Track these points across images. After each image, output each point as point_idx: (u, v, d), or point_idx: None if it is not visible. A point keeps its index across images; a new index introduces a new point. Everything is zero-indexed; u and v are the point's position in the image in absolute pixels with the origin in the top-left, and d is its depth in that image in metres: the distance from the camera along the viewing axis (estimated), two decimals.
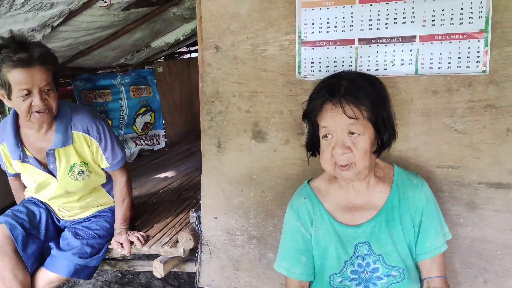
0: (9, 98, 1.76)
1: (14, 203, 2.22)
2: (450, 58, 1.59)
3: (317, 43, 1.72)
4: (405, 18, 1.62)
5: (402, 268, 1.37)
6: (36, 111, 1.76)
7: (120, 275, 3.33)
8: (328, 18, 1.70)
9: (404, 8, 1.61)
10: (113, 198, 2.19)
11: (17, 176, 2.15)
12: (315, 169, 1.61)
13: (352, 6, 1.67)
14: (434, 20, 1.59)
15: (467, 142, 1.61)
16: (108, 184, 2.16)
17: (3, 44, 1.72)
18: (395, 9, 1.62)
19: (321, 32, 1.71)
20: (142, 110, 4.86)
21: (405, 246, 1.37)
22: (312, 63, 1.74)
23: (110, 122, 4.47)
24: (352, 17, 1.67)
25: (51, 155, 1.93)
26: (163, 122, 5.04)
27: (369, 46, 1.66)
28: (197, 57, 1.96)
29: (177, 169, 3.74)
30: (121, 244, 2.03)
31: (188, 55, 6.38)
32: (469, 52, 1.56)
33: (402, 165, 1.67)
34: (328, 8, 1.69)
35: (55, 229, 2.13)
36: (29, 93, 1.72)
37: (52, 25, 2.63)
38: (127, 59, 4.36)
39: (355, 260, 1.40)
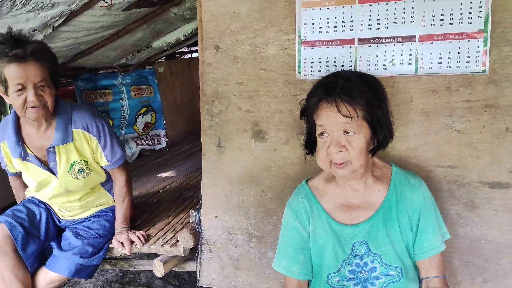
0: (7, 93, 1.78)
1: (14, 203, 2.23)
2: (450, 58, 1.59)
3: (317, 43, 1.73)
4: (404, 18, 1.62)
5: (400, 268, 1.37)
6: (31, 107, 1.77)
7: (121, 274, 3.34)
8: (328, 18, 1.70)
9: (404, 8, 1.61)
10: (113, 197, 2.19)
11: (18, 175, 2.16)
12: (315, 169, 1.61)
13: (352, 6, 1.67)
14: (433, 20, 1.59)
15: (466, 142, 1.61)
16: (108, 183, 2.17)
17: (1, 41, 1.74)
18: (395, 9, 1.62)
19: (321, 32, 1.72)
20: (143, 110, 4.87)
21: (402, 246, 1.38)
22: (312, 63, 1.74)
23: (111, 122, 4.48)
24: (352, 17, 1.68)
25: (51, 153, 1.94)
26: (164, 122, 5.05)
27: (369, 46, 1.67)
28: (198, 57, 1.97)
29: (178, 169, 3.75)
30: (121, 243, 2.04)
31: (189, 55, 6.40)
32: (468, 52, 1.57)
33: (402, 164, 1.68)
34: (328, 8, 1.70)
35: (56, 229, 2.14)
36: (23, 88, 1.74)
37: (53, 25, 2.63)
38: (128, 59, 4.37)
39: (353, 260, 1.40)
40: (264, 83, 1.81)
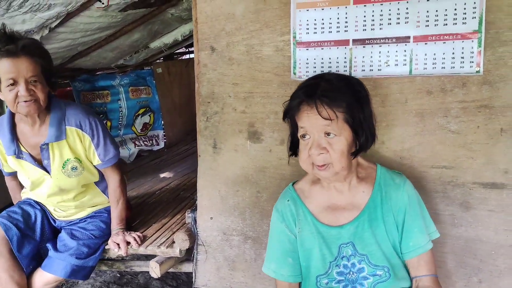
0: (0, 89, 1.80)
1: (11, 205, 2.23)
2: (444, 58, 1.59)
3: (311, 44, 1.73)
4: (399, 18, 1.62)
5: (387, 267, 1.37)
6: (23, 101, 1.79)
7: (118, 275, 3.34)
8: (322, 19, 1.70)
9: (398, 9, 1.62)
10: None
11: (14, 175, 2.17)
12: None
13: (346, 7, 1.67)
14: (428, 21, 1.59)
15: (461, 143, 1.61)
16: (103, 183, 2.17)
17: None
18: (389, 10, 1.63)
19: (315, 33, 1.72)
20: (141, 110, 4.87)
21: (389, 245, 1.38)
22: (307, 63, 1.75)
23: (109, 123, 4.48)
24: (346, 18, 1.68)
25: (45, 150, 1.95)
26: (162, 122, 5.05)
27: (364, 47, 1.67)
28: None
29: (175, 170, 3.75)
30: (117, 244, 2.04)
31: (187, 56, 6.40)
32: (463, 53, 1.57)
33: (396, 165, 1.68)
34: (322, 9, 1.70)
35: (51, 230, 2.14)
36: (14, 82, 1.76)
37: (50, 26, 2.64)
38: (126, 60, 4.38)
39: (340, 261, 1.41)
40: (259, 84, 1.82)
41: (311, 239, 1.43)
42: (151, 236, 2.18)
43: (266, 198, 1.87)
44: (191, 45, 5.34)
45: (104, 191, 2.19)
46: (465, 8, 1.54)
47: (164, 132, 5.08)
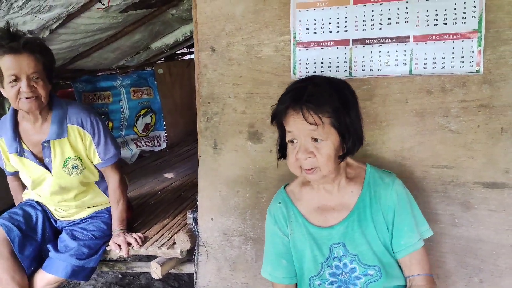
0: (2, 86, 1.83)
1: (13, 207, 2.23)
2: (444, 58, 1.59)
3: (311, 44, 1.73)
4: (398, 18, 1.62)
5: (378, 267, 1.37)
6: (24, 97, 1.81)
7: (120, 276, 3.34)
8: (322, 19, 1.70)
9: (398, 9, 1.61)
10: None
11: (16, 175, 2.18)
12: None
13: (346, 7, 1.67)
14: (427, 20, 1.59)
15: (461, 142, 1.61)
16: (103, 183, 2.17)
17: None
18: (389, 10, 1.62)
19: (315, 33, 1.72)
20: (143, 111, 4.87)
21: (380, 245, 1.38)
22: (307, 64, 1.75)
23: (111, 124, 4.48)
24: (346, 17, 1.68)
25: (46, 148, 1.96)
26: (164, 123, 5.06)
27: (363, 47, 1.67)
28: None
29: (177, 170, 3.75)
30: (119, 245, 2.05)
31: (189, 56, 6.40)
32: (462, 52, 1.56)
33: (396, 165, 1.68)
34: (322, 9, 1.70)
35: (52, 231, 2.14)
36: (17, 79, 1.79)
37: (50, 27, 2.64)
38: (127, 61, 4.38)
39: (332, 262, 1.41)
40: (259, 84, 1.82)
41: (302, 240, 1.43)
42: (152, 237, 2.18)
43: (266, 198, 1.86)
44: (192, 45, 5.34)
45: (105, 191, 2.19)
46: (465, 8, 1.54)
47: (165, 132, 5.08)
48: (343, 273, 1.40)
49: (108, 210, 2.19)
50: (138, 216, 2.51)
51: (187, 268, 2.16)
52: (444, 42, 1.58)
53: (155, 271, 2.01)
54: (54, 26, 2.65)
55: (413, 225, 1.39)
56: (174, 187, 3.23)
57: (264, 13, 1.77)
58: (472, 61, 1.55)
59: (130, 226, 2.28)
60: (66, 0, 2.44)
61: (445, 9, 1.56)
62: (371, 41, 1.65)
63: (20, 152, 1.97)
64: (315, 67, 1.73)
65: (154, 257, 2.11)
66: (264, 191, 1.87)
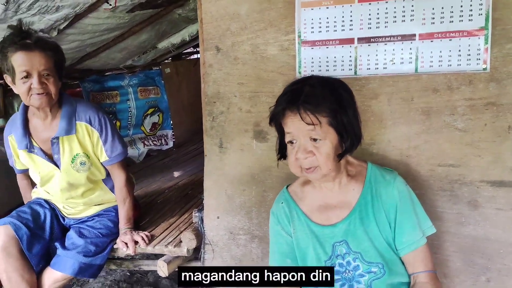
0: (14, 82, 1.87)
1: (21, 205, 2.26)
2: (450, 56, 1.58)
3: (316, 43, 1.73)
4: (404, 16, 1.61)
5: (382, 264, 1.37)
6: (36, 93, 1.85)
7: (128, 274, 3.37)
8: (327, 18, 1.70)
9: (403, 7, 1.61)
10: None
11: (25, 173, 2.21)
12: None
13: (351, 5, 1.66)
14: (433, 18, 1.58)
15: (468, 141, 1.60)
16: (111, 181, 2.19)
17: (12, 32, 1.85)
18: (394, 8, 1.62)
19: (320, 31, 1.72)
20: (150, 110, 4.90)
21: (382, 242, 1.38)
22: (312, 62, 1.74)
23: (118, 123, 4.52)
24: (351, 16, 1.67)
25: (55, 144, 2.00)
26: (171, 122, 5.08)
27: (369, 45, 1.66)
28: None
29: (184, 169, 3.77)
30: (126, 243, 2.06)
31: (195, 56, 6.42)
32: (469, 50, 1.55)
33: (403, 163, 1.67)
34: (327, 8, 1.70)
35: (60, 229, 2.16)
36: (28, 75, 1.83)
37: (58, 28, 2.67)
38: (135, 61, 4.41)
39: (335, 260, 1.41)
40: (265, 83, 1.82)
41: (305, 239, 1.44)
42: (159, 235, 2.19)
43: (272, 197, 1.86)
44: (199, 45, 5.36)
45: (112, 189, 2.21)
46: (471, 5, 1.52)
47: (173, 131, 5.11)
48: (347, 271, 1.40)
49: (115, 208, 2.20)
50: (146, 215, 2.53)
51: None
52: (450, 40, 1.57)
53: (162, 269, 2.03)
54: (62, 27, 2.67)
55: (415, 223, 1.38)
56: (181, 185, 3.24)
57: (269, 12, 1.77)
58: (479, 59, 1.54)
59: (137, 224, 2.30)
60: (73, 1, 2.46)
61: (452, 7, 1.55)
62: (377, 39, 1.65)
63: (29, 148, 2.01)
64: (320, 66, 1.73)
65: (161, 255, 2.12)
66: (270, 189, 1.87)
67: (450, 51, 1.57)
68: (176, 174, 3.65)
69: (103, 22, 2.95)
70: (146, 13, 3.21)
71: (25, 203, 2.27)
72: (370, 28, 1.65)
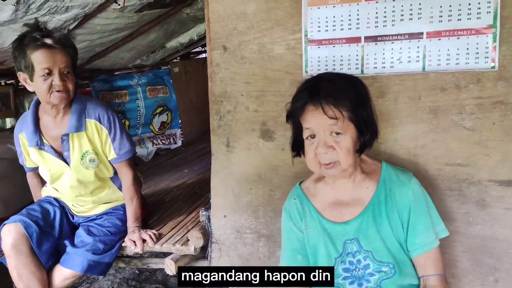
0: (31, 79, 1.89)
1: (32, 203, 2.29)
2: (458, 54, 1.56)
3: (323, 42, 1.72)
4: (411, 14, 1.60)
5: (392, 264, 1.36)
6: (56, 91, 1.88)
7: (137, 272, 3.40)
8: (334, 16, 1.70)
9: (411, 5, 1.59)
10: None
11: (35, 171, 2.24)
12: None
13: (358, 4, 1.66)
14: (441, 16, 1.57)
15: (476, 140, 1.58)
16: (119, 179, 2.21)
17: (29, 30, 1.88)
18: (402, 6, 1.61)
19: (327, 30, 1.71)
20: (159, 109, 4.93)
21: (394, 242, 1.37)
22: (319, 61, 1.74)
23: (127, 122, 4.55)
24: (358, 14, 1.66)
25: (65, 141, 2.02)
26: (180, 121, 5.10)
27: (376, 44, 1.65)
28: None
29: (192, 168, 3.78)
30: (134, 242, 2.08)
31: (204, 55, 6.44)
32: (477, 48, 1.54)
33: (411, 162, 1.66)
34: (334, 6, 1.69)
35: (70, 227, 2.19)
36: (50, 72, 1.86)
37: (68, 28, 2.70)
38: (143, 60, 4.44)
39: (346, 258, 1.41)
40: (271, 82, 1.82)
41: (316, 235, 1.44)
42: (167, 234, 2.21)
43: (279, 196, 1.87)
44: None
45: (121, 188, 2.23)
46: (479, 3, 1.51)
47: (181, 130, 5.13)
48: (357, 269, 1.40)
49: (124, 207, 2.22)
50: (154, 213, 2.55)
51: (201, 265, 2.18)
52: (458, 38, 1.55)
53: (169, 267, 2.04)
54: (71, 27, 2.70)
55: (429, 224, 1.38)
56: (189, 184, 3.26)
57: (276, 12, 1.77)
58: (487, 57, 1.53)
59: (145, 223, 2.32)
60: (82, 1, 2.48)
61: (459, 5, 1.54)
62: (383, 38, 1.64)
63: (40, 145, 2.04)
64: (326, 65, 1.73)
65: (169, 253, 2.14)
66: (277, 188, 1.87)
67: (458, 49, 1.56)
68: (186, 170, 3.69)
69: (112, 22, 2.98)
70: (155, 12, 3.23)
71: (35, 201, 2.30)
72: (377, 26, 1.64)
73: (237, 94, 1.88)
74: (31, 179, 2.32)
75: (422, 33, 1.60)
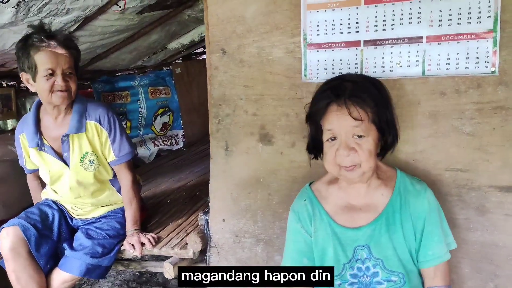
0: (34, 80, 1.91)
1: (32, 205, 2.29)
2: (458, 58, 1.55)
3: (322, 45, 1.71)
4: (411, 18, 1.59)
5: (402, 274, 1.35)
6: (58, 90, 1.90)
7: (138, 274, 3.39)
8: (333, 20, 1.68)
9: (411, 9, 1.58)
10: None
11: (35, 173, 2.25)
12: (321, 172, 1.59)
13: (357, 8, 1.65)
14: (441, 20, 1.55)
15: (476, 145, 1.57)
16: (118, 182, 2.21)
17: (33, 31, 1.90)
18: (401, 10, 1.59)
19: (326, 34, 1.70)
20: (161, 110, 4.93)
21: (406, 251, 1.35)
22: (318, 65, 1.73)
23: (129, 123, 4.55)
24: (357, 18, 1.65)
25: (65, 142, 2.03)
26: (181, 122, 5.10)
27: (375, 48, 1.64)
28: None
29: (193, 170, 3.78)
30: (133, 245, 2.08)
31: (205, 56, 6.43)
32: (477, 53, 1.52)
33: (410, 168, 1.65)
34: (333, 10, 1.68)
35: (68, 230, 2.19)
36: (53, 73, 1.88)
37: (69, 30, 2.70)
38: (145, 61, 4.44)
39: (355, 264, 1.39)
40: (270, 86, 1.81)
41: (326, 239, 1.40)
42: (165, 237, 2.20)
43: (277, 200, 1.86)
44: None
45: (120, 190, 2.23)
46: (479, 7, 1.49)
47: (183, 131, 5.13)
48: (365, 276, 1.38)
49: (123, 210, 2.22)
50: (153, 216, 2.54)
51: None
52: (458, 43, 1.54)
53: (168, 271, 2.04)
54: (72, 29, 2.70)
55: (442, 236, 1.36)
56: (189, 186, 3.25)
57: (275, 15, 1.76)
58: (487, 62, 1.51)
59: (144, 226, 2.31)
60: (83, 3, 2.48)
61: (460, 9, 1.52)
62: (383, 42, 1.63)
63: (40, 146, 2.04)
64: (326, 69, 1.72)
65: (168, 257, 2.13)
66: (276, 192, 1.86)
67: (458, 53, 1.54)
68: (181, 175, 3.68)
69: (113, 24, 2.97)
70: (156, 14, 3.23)
71: (34, 203, 2.30)
72: (377, 30, 1.63)
73: (236, 97, 1.88)
74: (31, 181, 2.32)
75: (421, 37, 1.58)
